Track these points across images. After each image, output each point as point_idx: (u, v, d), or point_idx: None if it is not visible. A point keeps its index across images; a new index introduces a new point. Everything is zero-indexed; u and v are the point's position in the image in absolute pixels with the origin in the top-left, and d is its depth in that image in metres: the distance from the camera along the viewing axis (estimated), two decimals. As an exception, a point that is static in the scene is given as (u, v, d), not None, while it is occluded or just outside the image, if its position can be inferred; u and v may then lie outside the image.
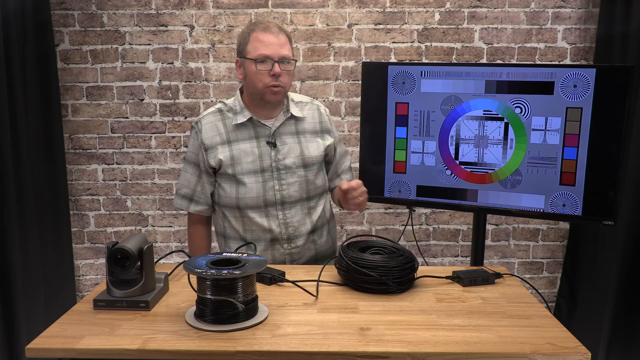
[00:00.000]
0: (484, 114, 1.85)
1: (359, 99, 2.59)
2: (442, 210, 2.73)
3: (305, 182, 1.66)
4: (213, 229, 1.82)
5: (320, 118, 1.74)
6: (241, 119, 1.62)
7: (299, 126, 1.69)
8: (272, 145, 1.63)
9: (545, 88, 1.77)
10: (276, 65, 1.54)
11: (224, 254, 1.27)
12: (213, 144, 1.63)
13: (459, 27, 2.60)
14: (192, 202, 1.71)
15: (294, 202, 1.66)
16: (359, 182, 1.55)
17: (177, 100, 2.67)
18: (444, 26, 2.60)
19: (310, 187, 1.67)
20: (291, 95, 1.73)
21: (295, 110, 1.68)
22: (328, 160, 1.79)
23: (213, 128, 1.64)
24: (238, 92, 1.69)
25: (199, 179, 1.68)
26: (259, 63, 1.54)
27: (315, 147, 1.69)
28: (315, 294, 1.35)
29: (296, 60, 1.64)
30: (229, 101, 1.69)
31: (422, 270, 1.50)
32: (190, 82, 2.65)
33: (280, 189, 1.64)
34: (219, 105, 1.69)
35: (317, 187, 1.70)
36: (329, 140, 1.74)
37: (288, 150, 1.65)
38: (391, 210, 2.75)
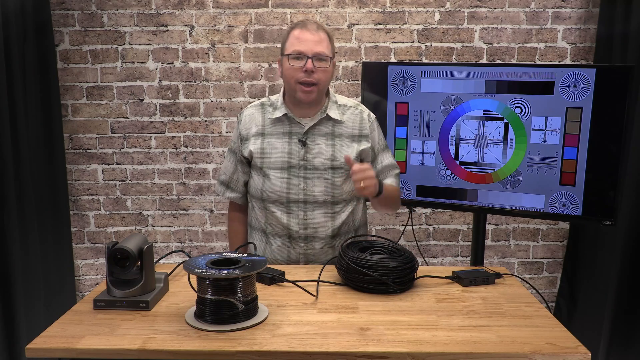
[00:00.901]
0: (484, 114, 1.85)
1: (359, 99, 2.59)
2: (442, 210, 2.73)
3: (331, 185, 1.63)
4: None
5: (362, 123, 1.67)
6: (277, 114, 1.65)
7: (336, 129, 1.65)
8: (303, 143, 1.63)
9: (545, 88, 1.77)
10: (309, 61, 1.53)
11: (224, 253, 1.27)
12: (249, 135, 1.68)
13: (459, 27, 2.60)
14: (228, 189, 1.76)
15: (317, 204, 1.63)
16: (365, 165, 1.47)
17: (177, 100, 2.67)
18: (444, 26, 2.60)
19: (336, 190, 1.64)
20: (337, 97, 1.70)
21: (334, 113, 1.65)
22: None
23: (252, 120, 1.69)
24: (282, 89, 1.69)
25: (236, 168, 1.74)
26: (293, 59, 1.55)
27: (349, 152, 1.64)
28: (315, 294, 1.35)
29: (332, 58, 1.58)
30: (274, 97, 1.71)
31: (422, 270, 1.50)
32: (190, 82, 2.65)
33: (305, 188, 1.63)
34: (264, 99, 1.73)
35: (344, 192, 1.66)
36: (364, 145, 1.67)
37: (318, 151, 1.63)
38: (391, 210, 2.75)
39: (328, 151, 1.63)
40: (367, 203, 1.82)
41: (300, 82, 1.55)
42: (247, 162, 1.71)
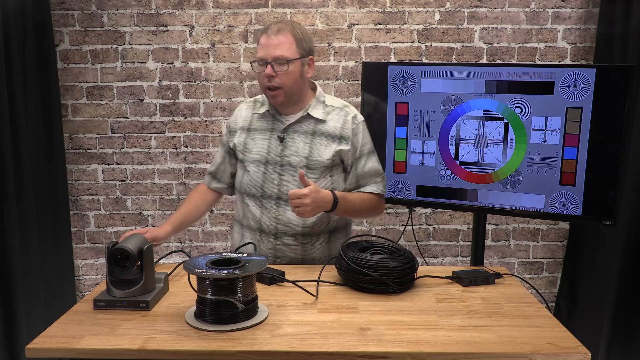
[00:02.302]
0: (484, 114, 1.85)
1: (359, 99, 2.59)
2: (442, 210, 2.73)
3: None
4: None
5: (344, 124, 1.66)
6: (262, 110, 1.70)
7: (317, 127, 1.66)
8: (281, 140, 1.66)
9: (545, 88, 1.77)
10: (269, 66, 1.55)
11: (224, 253, 1.27)
12: (236, 128, 1.74)
13: (459, 27, 2.60)
14: (214, 180, 1.82)
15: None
16: (304, 192, 1.44)
17: (177, 100, 2.67)
18: (444, 26, 2.60)
19: None
20: (326, 97, 1.70)
21: (316, 112, 1.65)
22: (345, 168, 1.69)
23: (242, 115, 1.75)
24: None
25: (223, 159, 1.79)
26: (257, 65, 1.59)
27: (327, 151, 1.64)
28: (315, 294, 1.35)
29: (297, 58, 1.56)
30: None
31: (422, 270, 1.50)
32: (190, 82, 2.65)
33: (279, 183, 1.65)
34: (258, 96, 1.78)
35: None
36: (343, 146, 1.64)
37: (295, 149, 1.65)
38: (391, 210, 2.75)
39: (305, 149, 1.65)
40: None
41: (265, 87, 1.59)
42: (235, 155, 1.76)
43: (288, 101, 1.62)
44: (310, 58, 1.62)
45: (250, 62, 1.65)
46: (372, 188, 1.69)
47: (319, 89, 1.70)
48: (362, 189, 1.69)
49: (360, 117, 1.70)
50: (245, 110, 1.75)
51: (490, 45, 2.62)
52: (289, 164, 1.64)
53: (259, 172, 1.67)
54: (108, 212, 2.75)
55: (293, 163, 1.64)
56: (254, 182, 1.67)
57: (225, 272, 1.14)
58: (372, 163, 1.70)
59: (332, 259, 1.54)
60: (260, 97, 1.76)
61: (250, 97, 2.64)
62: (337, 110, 1.68)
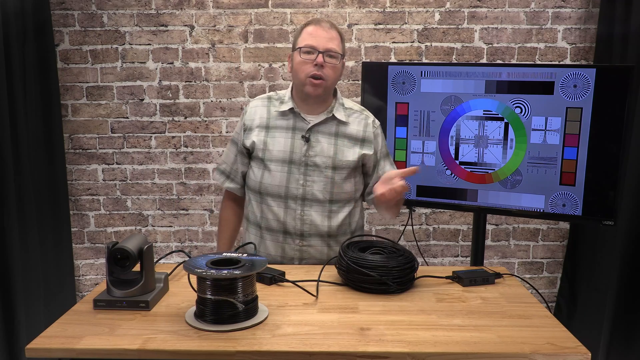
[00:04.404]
0: (484, 114, 1.85)
1: (359, 99, 2.59)
2: (442, 210, 2.73)
3: (331, 183, 1.63)
4: None
5: (366, 128, 1.69)
6: (284, 107, 1.67)
7: (340, 129, 1.66)
8: (306, 139, 1.64)
9: (545, 88, 1.77)
10: (320, 55, 1.56)
11: (224, 254, 1.27)
12: (252, 125, 1.69)
13: (459, 27, 2.60)
14: (228, 179, 1.78)
15: (315, 201, 1.64)
16: (403, 183, 1.46)
17: (177, 100, 2.67)
18: (444, 26, 2.60)
19: (335, 189, 1.64)
20: (344, 100, 1.72)
21: (340, 114, 1.66)
22: (365, 171, 1.73)
23: (257, 112, 1.70)
24: (291, 85, 1.71)
25: (236, 159, 1.75)
26: (304, 53, 1.58)
27: (351, 153, 1.65)
28: (315, 294, 1.35)
29: (343, 55, 1.63)
30: (282, 91, 1.74)
31: (422, 270, 1.50)
32: (190, 82, 2.65)
33: (304, 184, 1.63)
34: (271, 93, 1.75)
35: (343, 191, 1.66)
36: (367, 150, 1.67)
37: (321, 149, 1.64)
38: (391, 210, 2.75)
39: (330, 150, 1.64)
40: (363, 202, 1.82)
41: (309, 75, 1.58)
42: (248, 154, 1.72)
43: (323, 94, 1.62)
44: (343, 61, 1.66)
45: (294, 50, 1.63)
46: None
47: (338, 91, 1.72)
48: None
49: (378, 122, 1.74)
50: (261, 107, 1.70)
51: (490, 45, 2.62)
52: (314, 165, 1.63)
53: (283, 172, 1.64)
54: (108, 212, 2.76)
55: (319, 163, 1.63)
56: (277, 182, 1.64)
57: (225, 272, 1.14)
58: (389, 166, 1.75)
59: (332, 258, 1.54)
60: (274, 94, 1.73)
61: (251, 97, 2.65)
62: (357, 114, 1.71)
